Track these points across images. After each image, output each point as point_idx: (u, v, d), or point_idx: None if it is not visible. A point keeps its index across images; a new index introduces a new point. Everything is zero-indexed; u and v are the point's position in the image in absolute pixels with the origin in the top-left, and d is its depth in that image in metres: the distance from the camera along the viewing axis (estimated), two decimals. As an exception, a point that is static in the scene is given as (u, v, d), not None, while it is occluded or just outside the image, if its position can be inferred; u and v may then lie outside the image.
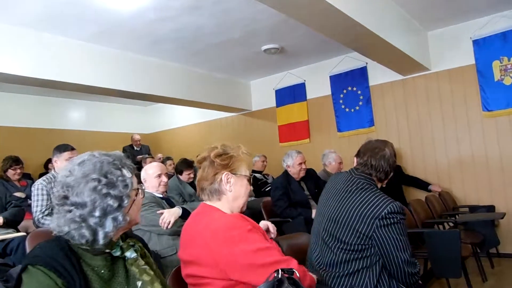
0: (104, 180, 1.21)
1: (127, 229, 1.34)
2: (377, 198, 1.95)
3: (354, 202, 2.00)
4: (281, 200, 4.17)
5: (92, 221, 1.18)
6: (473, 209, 4.94)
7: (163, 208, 2.89)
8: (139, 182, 1.38)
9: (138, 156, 7.75)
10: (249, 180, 1.68)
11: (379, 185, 2.15)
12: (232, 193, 1.62)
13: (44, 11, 4.16)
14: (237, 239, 1.43)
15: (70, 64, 4.81)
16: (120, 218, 1.22)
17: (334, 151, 5.49)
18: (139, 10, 4.31)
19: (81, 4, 4.08)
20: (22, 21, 4.32)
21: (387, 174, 2.13)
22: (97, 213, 1.18)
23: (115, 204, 1.21)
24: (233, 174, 1.63)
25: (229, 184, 1.62)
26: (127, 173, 1.26)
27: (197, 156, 1.73)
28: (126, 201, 1.23)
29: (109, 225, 1.20)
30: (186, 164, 4.89)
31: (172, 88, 6.11)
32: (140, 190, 1.32)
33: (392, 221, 1.88)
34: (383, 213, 1.89)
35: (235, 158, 1.66)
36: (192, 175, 4.85)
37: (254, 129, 7.66)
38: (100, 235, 1.20)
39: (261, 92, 7.57)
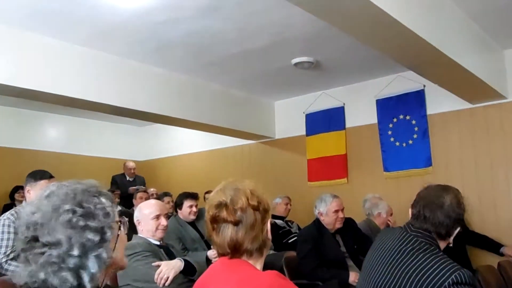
0: (79, 211, 1.20)
1: (111, 273, 1.33)
2: (439, 263, 1.91)
3: (409, 267, 1.97)
4: (310, 257, 4.10)
5: (71, 262, 1.17)
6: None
7: (160, 259, 2.87)
8: (121, 215, 1.38)
9: (131, 188, 7.77)
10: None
11: (442, 245, 2.11)
12: (267, 241, 1.68)
13: (25, 5, 4.29)
14: None
15: (53, 70, 4.93)
16: (105, 255, 1.21)
17: (379, 197, 5.42)
18: (143, 9, 4.42)
19: (73, -1, 4.21)
20: None
21: (448, 229, 2.09)
22: (75, 252, 1.17)
23: (96, 238, 1.20)
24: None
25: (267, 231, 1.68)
26: (106, 201, 1.28)
27: (209, 211, 1.71)
28: (109, 233, 1.24)
29: (93, 265, 1.19)
30: (187, 194, 4.90)
31: (177, 106, 6.21)
32: (122, 223, 1.33)
33: None
34: (446, 284, 1.84)
35: (262, 197, 1.70)
36: (195, 209, 4.84)
37: (276, 163, 7.65)
38: (85, 278, 1.18)
39: (287, 116, 7.61)
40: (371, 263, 2.18)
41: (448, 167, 5.98)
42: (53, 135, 8.66)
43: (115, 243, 1.28)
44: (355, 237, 4.46)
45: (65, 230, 1.18)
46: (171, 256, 3.05)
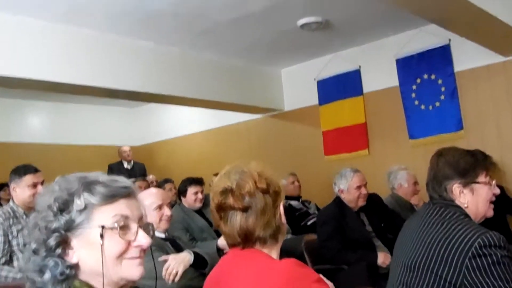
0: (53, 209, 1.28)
1: None
2: (464, 228, 1.93)
3: (434, 237, 1.99)
4: (333, 239, 4.13)
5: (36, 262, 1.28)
6: None
7: (167, 253, 2.89)
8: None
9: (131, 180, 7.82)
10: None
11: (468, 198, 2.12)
12: (281, 226, 1.70)
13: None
14: None
15: (30, 53, 4.92)
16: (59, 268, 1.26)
17: (404, 168, 5.42)
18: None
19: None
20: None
21: (467, 175, 2.10)
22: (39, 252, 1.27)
23: (52, 243, 1.26)
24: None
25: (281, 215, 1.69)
26: (86, 197, 1.29)
27: (214, 199, 1.73)
28: (55, 239, 1.27)
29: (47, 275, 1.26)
30: (191, 180, 4.94)
31: (171, 82, 6.20)
32: (109, 231, 1.29)
33: (490, 259, 1.83)
34: (473, 249, 1.86)
35: (272, 178, 1.70)
36: (201, 195, 4.89)
37: (287, 137, 7.67)
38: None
39: (296, 85, 7.59)
40: (399, 245, 2.22)
41: (482, 130, 5.98)
42: (37, 124, 8.73)
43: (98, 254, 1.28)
44: (382, 214, 4.48)
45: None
46: (178, 249, 3.07)
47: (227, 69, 6.95)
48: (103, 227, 1.27)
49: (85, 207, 1.27)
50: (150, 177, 7.97)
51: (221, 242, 3.36)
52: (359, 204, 4.32)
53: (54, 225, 1.25)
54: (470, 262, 1.85)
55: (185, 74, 6.38)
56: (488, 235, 1.87)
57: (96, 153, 8.80)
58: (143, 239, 1.33)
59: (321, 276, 1.58)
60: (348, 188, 4.30)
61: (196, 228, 4.71)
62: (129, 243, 1.31)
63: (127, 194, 1.34)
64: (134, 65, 5.81)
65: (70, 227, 1.26)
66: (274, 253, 1.66)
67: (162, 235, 3.10)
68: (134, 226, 1.32)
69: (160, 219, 3.06)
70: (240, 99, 7.04)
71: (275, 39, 6.34)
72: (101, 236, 1.26)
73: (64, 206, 1.27)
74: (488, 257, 1.84)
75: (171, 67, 6.24)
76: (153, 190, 3.23)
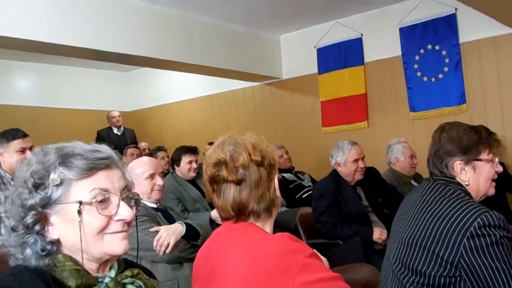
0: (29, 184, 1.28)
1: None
2: (464, 207, 1.94)
3: (433, 215, 2.01)
4: (328, 214, 4.15)
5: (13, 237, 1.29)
6: None
7: (159, 224, 2.91)
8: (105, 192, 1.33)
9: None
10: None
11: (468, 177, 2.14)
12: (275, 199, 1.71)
13: None
14: (297, 269, 1.45)
15: (16, 12, 4.83)
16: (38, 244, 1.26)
17: (404, 141, 5.42)
18: None
19: None
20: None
21: (469, 151, 2.10)
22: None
23: (30, 219, 1.25)
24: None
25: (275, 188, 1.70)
26: (62, 172, 1.27)
27: (207, 171, 1.73)
28: (32, 217, 1.26)
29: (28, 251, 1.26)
30: (185, 149, 4.95)
31: (165, 46, 6.15)
32: (87, 206, 1.28)
33: (488, 240, 1.85)
34: (471, 228, 1.87)
35: (267, 151, 1.71)
36: (195, 165, 4.90)
37: (285, 107, 7.66)
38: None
39: (295, 52, 7.55)
40: (397, 221, 2.23)
41: (485, 104, 5.98)
42: (24, 86, 8.67)
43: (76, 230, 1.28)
44: (379, 189, 4.49)
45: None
46: (170, 220, 3.08)
47: (224, 33, 6.89)
48: (80, 202, 1.25)
49: (61, 182, 1.25)
50: (143, 144, 7.96)
51: (214, 213, 3.37)
52: (356, 178, 4.34)
53: (30, 202, 1.24)
54: (468, 241, 1.86)
55: (180, 37, 6.32)
56: (488, 215, 1.88)
57: (86, 117, 8.78)
58: (125, 213, 1.30)
59: (315, 251, 1.59)
60: (345, 161, 4.30)
61: (189, 199, 4.73)
62: (110, 218, 1.29)
63: (107, 165, 1.31)
64: (126, 26, 5.73)
65: (47, 203, 1.25)
66: (268, 227, 1.68)
67: (154, 205, 3.11)
68: (115, 199, 1.30)
69: (152, 189, 3.07)
70: (237, 66, 7.00)
71: (274, 3, 6.27)
72: (79, 212, 1.25)
73: (40, 181, 1.25)
74: (487, 237, 1.85)
75: (165, 29, 6.17)
76: (144, 159, 3.23)
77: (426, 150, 2.24)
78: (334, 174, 4.36)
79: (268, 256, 1.49)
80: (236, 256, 1.56)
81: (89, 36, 5.37)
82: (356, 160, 4.29)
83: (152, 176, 3.08)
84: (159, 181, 3.10)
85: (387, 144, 5.49)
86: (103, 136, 8.13)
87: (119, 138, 8.18)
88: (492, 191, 2.17)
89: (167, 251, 2.75)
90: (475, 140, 2.12)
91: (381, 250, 3.65)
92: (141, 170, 3.08)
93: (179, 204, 4.67)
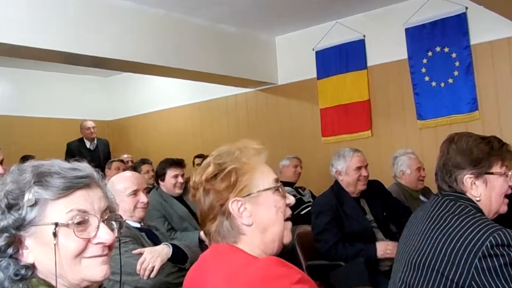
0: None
1: None
2: (475, 225, 1.95)
3: (440, 235, 2.01)
4: (328, 232, 4.14)
5: None
6: None
7: (142, 246, 2.90)
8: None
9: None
10: (278, 190, 1.72)
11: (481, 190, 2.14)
12: (254, 226, 1.64)
13: None
14: None
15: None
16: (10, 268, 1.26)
17: (411, 152, 5.44)
18: None
19: None
20: None
21: (479, 165, 2.11)
22: None
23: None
24: (245, 196, 1.64)
25: (245, 214, 1.63)
26: (37, 191, 1.28)
27: (189, 180, 1.74)
28: (4, 240, 1.27)
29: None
30: (170, 161, 4.93)
31: (150, 49, 6.16)
32: (63, 228, 1.29)
33: (502, 260, 1.86)
34: (483, 248, 1.88)
35: (239, 169, 1.66)
36: (181, 179, 4.88)
37: (281, 115, 7.67)
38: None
39: (292, 55, 7.57)
40: (403, 240, 2.24)
41: (499, 111, 6.00)
42: (-5, 93, 8.63)
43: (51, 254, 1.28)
44: (384, 201, 4.48)
45: None
46: (155, 241, 3.08)
47: (214, 35, 6.92)
48: (56, 224, 1.26)
49: (36, 202, 1.26)
50: (125, 156, 7.91)
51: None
52: (359, 188, 4.32)
53: (2, 223, 1.25)
54: (480, 262, 1.87)
55: (166, 39, 6.35)
56: (501, 233, 1.88)
57: (63, 127, 8.75)
58: (105, 235, 1.30)
59: (303, 275, 1.57)
60: (346, 169, 4.29)
61: (176, 217, 4.71)
62: (88, 241, 1.29)
63: (86, 184, 1.31)
64: (107, 27, 5.76)
65: (21, 225, 1.26)
66: (257, 249, 1.65)
67: (137, 225, 3.11)
68: (94, 220, 1.30)
69: (135, 207, 3.07)
70: (228, 70, 7.02)
71: (269, 1, 6.30)
72: (54, 234, 1.25)
73: (14, 202, 1.26)
74: (500, 258, 1.85)
75: (149, 31, 6.20)
76: (127, 173, 3.24)
77: (435, 161, 2.25)
78: (336, 186, 4.36)
79: (250, 283, 1.48)
80: (216, 285, 1.55)
81: (64, 38, 5.39)
82: (358, 168, 4.28)
83: (135, 193, 3.07)
84: (143, 198, 3.09)
85: (393, 156, 5.50)
86: (73, 150, 7.94)
87: (92, 154, 7.99)
88: (504, 209, 2.17)
89: (152, 275, 2.74)
90: (487, 152, 2.13)
91: (387, 272, 3.64)
92: (123, 186, 3.08)
93: (165, 222, 4.65)
